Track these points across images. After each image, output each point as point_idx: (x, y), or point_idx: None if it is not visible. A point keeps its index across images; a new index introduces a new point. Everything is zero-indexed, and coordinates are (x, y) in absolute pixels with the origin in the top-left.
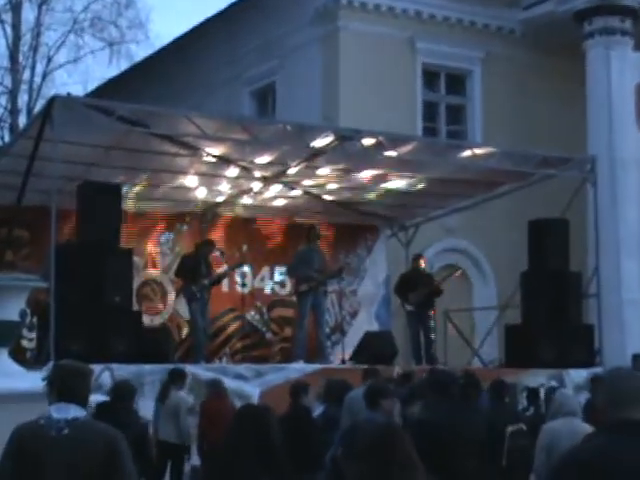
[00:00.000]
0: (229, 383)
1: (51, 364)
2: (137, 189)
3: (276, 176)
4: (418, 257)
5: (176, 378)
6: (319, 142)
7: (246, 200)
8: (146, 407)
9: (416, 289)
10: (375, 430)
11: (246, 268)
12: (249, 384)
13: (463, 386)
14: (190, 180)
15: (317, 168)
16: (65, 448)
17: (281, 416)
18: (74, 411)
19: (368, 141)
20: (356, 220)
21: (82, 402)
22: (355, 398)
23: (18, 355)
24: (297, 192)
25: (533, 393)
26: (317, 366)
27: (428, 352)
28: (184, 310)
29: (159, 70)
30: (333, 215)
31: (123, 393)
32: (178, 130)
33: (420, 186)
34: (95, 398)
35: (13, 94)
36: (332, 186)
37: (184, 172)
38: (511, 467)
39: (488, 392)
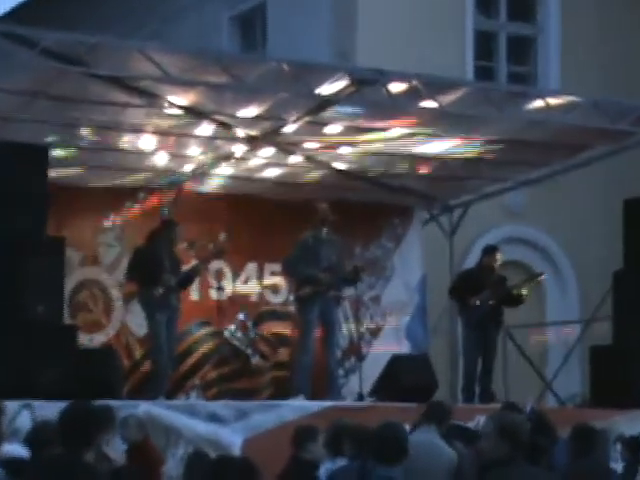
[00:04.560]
0: (200, 427)
1: None
2: (71, 153)
3: (267, 136)
4: (492, 250)
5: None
6: (328, 88)
7: (225, 169)
8: None
9: (481, 292)
10: None
11: (223, 264)
12: (228, 428)
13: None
14: (146, 141)
15: (325, 125)
16: None
17: (277, 475)
18: None
19: (397, 86)
20: (380, 198)
21: None
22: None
23: None
24: (296, 158)
25: (632, 444)
26: (324, 404)
27: (484, 385)
28: (137, 324)
29: None
30: (347, 191)
31: (46, 441)
32: (129, 70)
33: (471, 150)
34: (8, 449)
35: None
36: (346, 150)
37: (138, 130)
38: None
39: (568, 442)
